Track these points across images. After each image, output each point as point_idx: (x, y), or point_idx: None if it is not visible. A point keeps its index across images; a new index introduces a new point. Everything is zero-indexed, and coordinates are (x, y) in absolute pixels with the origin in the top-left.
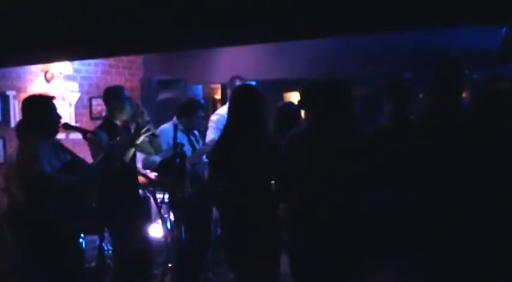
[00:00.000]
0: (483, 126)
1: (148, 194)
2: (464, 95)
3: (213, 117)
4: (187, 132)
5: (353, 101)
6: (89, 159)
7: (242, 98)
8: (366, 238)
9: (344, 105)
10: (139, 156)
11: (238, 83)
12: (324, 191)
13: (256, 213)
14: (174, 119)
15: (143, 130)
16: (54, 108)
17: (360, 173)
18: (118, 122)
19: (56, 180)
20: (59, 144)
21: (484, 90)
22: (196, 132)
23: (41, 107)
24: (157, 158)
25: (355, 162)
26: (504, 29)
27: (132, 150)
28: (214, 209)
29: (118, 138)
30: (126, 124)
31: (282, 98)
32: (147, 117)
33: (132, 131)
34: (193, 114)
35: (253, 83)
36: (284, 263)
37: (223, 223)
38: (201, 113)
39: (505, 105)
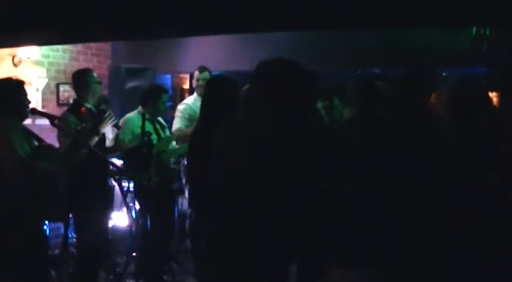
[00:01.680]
0: (453, 126)
1: (113, 182)
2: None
3: (180, 107)
4: (154, 119)
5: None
6: (56, 145)
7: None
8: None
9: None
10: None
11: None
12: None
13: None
14: (140, 108)
15: (108, 117)
16: (25, 93)
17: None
18: (88, 106)
19: (33, 168)
20: (26, 130)
21: (455, 91)
22: (162, 120)
23: (13, 91)
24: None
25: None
26: (474, 30)
27: (96, 138)
28: (179, 199)
29: (83, 125)
30: (88, 110)
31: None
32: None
33: (97, 117)
34: (158, 99)
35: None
36: None
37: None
38: (166, 98)
39: (474, 106)
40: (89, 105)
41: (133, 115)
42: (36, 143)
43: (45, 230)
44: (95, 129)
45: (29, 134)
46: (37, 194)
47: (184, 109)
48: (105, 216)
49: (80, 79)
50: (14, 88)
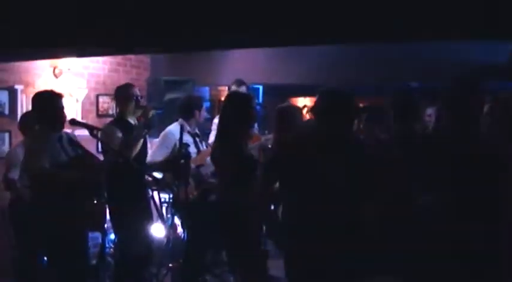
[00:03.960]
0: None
1: (151, 194)
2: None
3: (216, 120)
4: (193, 131)
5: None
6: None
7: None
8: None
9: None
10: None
11: (234, 88)
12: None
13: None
14: (180, 119)
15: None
16: (61, 105)
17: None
18: (131, 121)
19: (55, 177)
20: (68, 139)
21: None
22: (199, 133)
23: (50, 103)
24: None
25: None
26: None
27: (141, 140)
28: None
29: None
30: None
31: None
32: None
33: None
34: (200, 108)
35: (259, 86)
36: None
37: None
38: (205, 107)
39: None
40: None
41: (173, 128)
42: (79, 152)
43: (86, 240)
44: (146, 125)
45: (73, 143)
46: (72, 202)
47: None
48: (145, 227)
49: (123, 93)
50: (51, 100)
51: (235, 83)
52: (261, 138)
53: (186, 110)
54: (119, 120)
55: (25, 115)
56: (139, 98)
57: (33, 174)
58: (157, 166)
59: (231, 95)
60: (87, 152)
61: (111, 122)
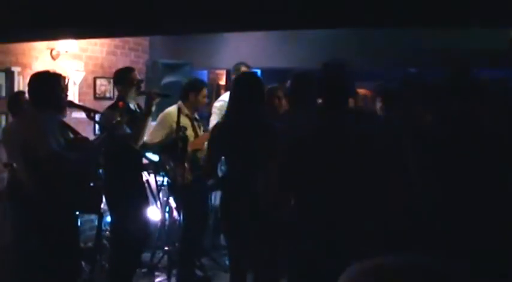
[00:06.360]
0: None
1: (147, 177)
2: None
3: (217, 104)
4: (192, 114)
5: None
6: (91, 138)
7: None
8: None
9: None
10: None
11: (244, 69)
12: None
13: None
14: (179, 102)
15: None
16: (62, 85)
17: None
18: (131, 105)
19: (65, 159)
20: (61, 122)
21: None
22: (198, 117)
23: (50, 84)
24: None
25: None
26: None
27: (149, 123)
28: (213, 195)
29: (118, 119)
30: (126, 106)
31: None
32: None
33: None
34: (199, 91)
35: (257, 70)
36: None
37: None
38: (205, 91)
39: None
40: (128, 102)
41: (172, 109)
42: (71, 136)
43: (77, 221)
44: (148, 109)
45: (64, 126)
46: (70, 184)
47: (222, 106)
48: (142, 210)
49: (123, 77)
50: (50, 81)
51: (243, 65)
52: None
53: (182, 92)
54: (115, 102)
55: (17, 94)
56: (140, 83)
57: (44, 155)
58: (154, 147)
59: (248, 76)
60: (80, 135)
61: (110, 106)
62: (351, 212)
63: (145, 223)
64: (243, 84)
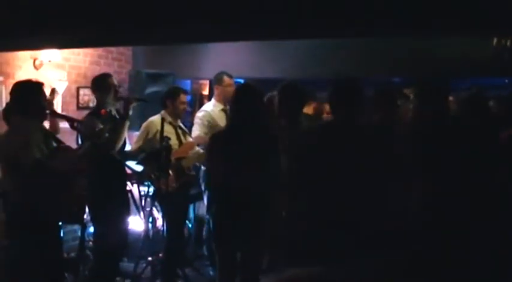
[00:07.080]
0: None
1: (130, 186)
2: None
3: (199, 114)
4: (175, 122)
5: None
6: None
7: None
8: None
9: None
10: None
11: (225, 78)
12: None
13: (254, 204)
14: (162, 112)
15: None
16: (44, 94)
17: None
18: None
19: (48, 168)
20: (45, 130)
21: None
22: (183, 126)
23: (32, 93)
24: None
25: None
26: (495, 40)
27: (126, 128)
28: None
29: (101, 126)
30: (108, 113)
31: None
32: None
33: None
34: (177, 98)
35: (240, 80)
36: None
37: (218, 213)
38: (184, 98)
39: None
40: (109, 109)
41: (155, 118)
42: (54, 145)
43: (60, 232)
44: (126, 115)
45: (47, 135)
46: (53, 194)
47: (204, 116)
48: (124, 220)
49: (101, 83)
50: (33, 89)
51: (224, 74)
52: None
53: (161, 101)
54: (98, 111)
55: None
56: (117, 88)
57: (28, 164)
58: (137, 156)
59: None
60: (63, 144)
61: (90, 113)
62: (356, 212)
63: (126, 232)
64: (246, 93)
